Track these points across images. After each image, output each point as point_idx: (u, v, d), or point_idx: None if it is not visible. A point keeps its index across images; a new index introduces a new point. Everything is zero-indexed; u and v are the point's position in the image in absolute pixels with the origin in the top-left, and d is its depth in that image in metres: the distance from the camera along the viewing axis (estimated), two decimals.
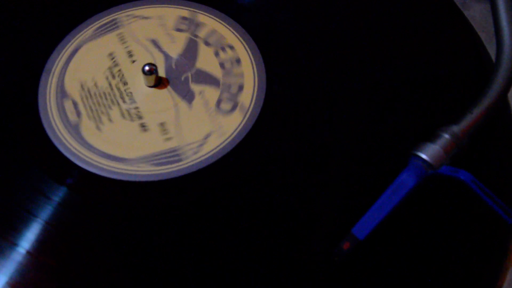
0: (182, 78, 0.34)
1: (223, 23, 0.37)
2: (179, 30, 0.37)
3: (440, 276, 0.28)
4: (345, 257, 0.27)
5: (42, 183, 0.30)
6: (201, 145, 0.32)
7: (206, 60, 0.36)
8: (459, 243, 0.29)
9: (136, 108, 0.34)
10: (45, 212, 0.29)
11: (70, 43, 0.36)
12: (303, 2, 0.39)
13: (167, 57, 0.36)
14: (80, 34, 0.37)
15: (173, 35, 0.37)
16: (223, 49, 0.36)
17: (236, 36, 0.37)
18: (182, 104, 0.33)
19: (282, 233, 0.29)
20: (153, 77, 0.33)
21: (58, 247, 0.28)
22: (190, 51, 0.36)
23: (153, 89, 0.34)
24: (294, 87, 0.34)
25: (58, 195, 0.30)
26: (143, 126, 0.33)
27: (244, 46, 0.36)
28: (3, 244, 0.28)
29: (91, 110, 0.34)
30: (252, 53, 0.36)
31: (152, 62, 0.34)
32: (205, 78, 0.35)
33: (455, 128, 0.29)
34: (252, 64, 0.35)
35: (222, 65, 0.35)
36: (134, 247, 0.28)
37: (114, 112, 0.33)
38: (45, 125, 0.33)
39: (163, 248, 0.28)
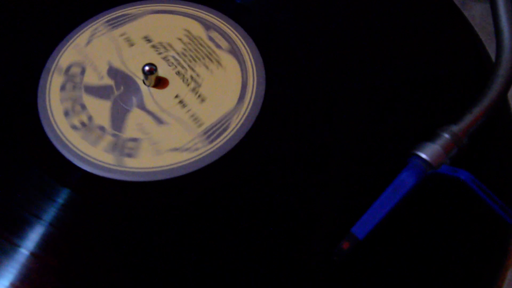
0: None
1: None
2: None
3: (440, 276, 0.28)
4: (344, 257, 0.27)
5: (42, 183, 0.30)
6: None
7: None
8: (459, 243, 0.29)
9: None
10: (46, 213, 0.29)
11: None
12: (303, 2, 0.39)
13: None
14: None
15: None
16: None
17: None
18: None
19: (282, 233, 0.29)
20: (153, 77, 0.34)
21: (61, 248, 0.28)
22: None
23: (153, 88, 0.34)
24: (294, 87, 0.34)
25: (58, 195, 0.30)
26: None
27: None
28: (6, 245, 0.28)
29: None
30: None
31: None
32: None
33: (455, 128, 0.29)
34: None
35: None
36: (136, 247, 0.28)
37: None
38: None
39: (164, 248, 0.28)
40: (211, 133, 0.32)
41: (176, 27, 0.37)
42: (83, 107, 0.33)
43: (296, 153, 0.31)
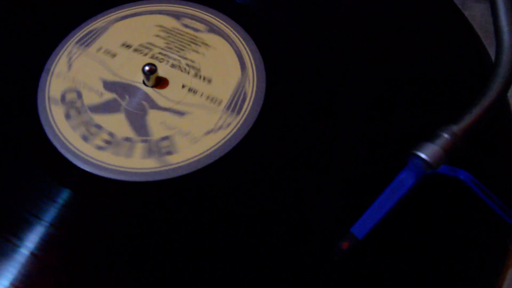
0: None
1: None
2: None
3: (440, 276, 0.28)
4: (344, 257, 0.27)
5: (42, 183, 0.30)
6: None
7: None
8: (459, 243, 0.29)
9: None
10: (46, 213, 0.29)
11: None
12: (303, 2, 0.39)
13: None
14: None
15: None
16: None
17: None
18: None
19: (281, 233, 0.29)
20: (153, 76, 0.34)
21: (61, 248, 0.28)
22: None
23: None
24: (294, 87, 0.34)
25: (58, 195, 0.30)
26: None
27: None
28: (6, 245, 0.28)
29: None
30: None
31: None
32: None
33: (455, 128, 0.29)
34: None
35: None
36: (136, 247, 0.28)
37: None
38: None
39: (164, 249, 0.28)
40: (234, 105, 0.33)
41: (148, 26, 0.37)
42: (99, 127, 0.33)
43: (296, 152, 0.31)
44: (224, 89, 0.34)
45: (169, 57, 0.35)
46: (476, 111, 0.30)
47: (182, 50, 0.36)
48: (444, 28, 0.37)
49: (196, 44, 0.35)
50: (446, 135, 0.29)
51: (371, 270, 0.28)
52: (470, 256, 0.28)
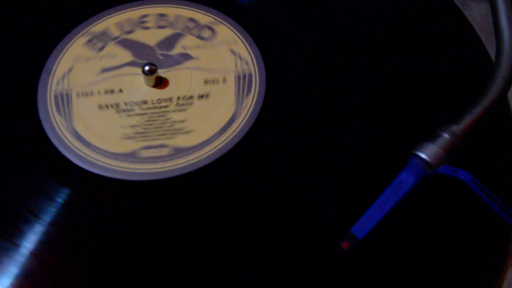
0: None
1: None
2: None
3: (440, 276, 0.28)
4: (344, 257, 0.27)
5: (42, 183, 0.30)
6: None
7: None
8: (459, 243, 0.29)
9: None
10: (46, 212, 0.29)
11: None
12: (303, 2, 0.39)
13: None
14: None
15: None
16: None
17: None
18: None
19: (282, 233, 0.29)
20: (153, 77, 0.34)
21: (60, 248, 0.28)
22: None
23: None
24: (294, 87, 0.34)
25: (59, 195, 0.30)
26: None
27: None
28: (6, 245, 0.28)
29: None
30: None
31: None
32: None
33: (455, 128, 0.29)
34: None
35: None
36: (136, 247, 0.28)
37: None
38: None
39: (164, 248, 0.28)
40: None
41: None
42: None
43: (296, 152, 0.31)
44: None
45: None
46: (476, 111, 0.30)
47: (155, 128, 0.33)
48: (444, 28, 0.37)
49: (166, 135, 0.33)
50: (446, 135, 0.29)
51: (371, 270, 0.28)
52: (470, 256, 0.28)
